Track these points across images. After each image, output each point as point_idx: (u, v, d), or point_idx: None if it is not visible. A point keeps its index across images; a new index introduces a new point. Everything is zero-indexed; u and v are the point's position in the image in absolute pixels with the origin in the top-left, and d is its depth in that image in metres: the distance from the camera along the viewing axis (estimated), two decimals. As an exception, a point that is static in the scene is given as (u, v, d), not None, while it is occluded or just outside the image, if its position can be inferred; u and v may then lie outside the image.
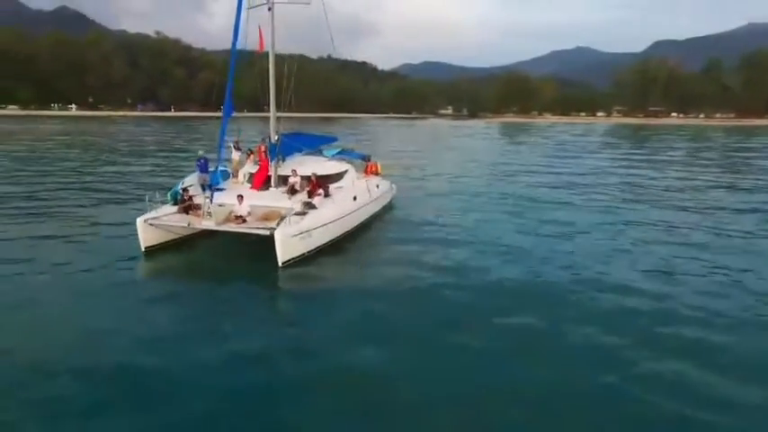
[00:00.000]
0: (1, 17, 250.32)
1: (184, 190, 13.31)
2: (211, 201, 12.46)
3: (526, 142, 62.45)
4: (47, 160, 33.23)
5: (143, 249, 12.34)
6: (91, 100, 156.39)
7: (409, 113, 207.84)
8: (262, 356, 7.66)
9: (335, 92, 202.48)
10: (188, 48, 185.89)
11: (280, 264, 11.40)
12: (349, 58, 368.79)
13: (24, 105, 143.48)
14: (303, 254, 12.06)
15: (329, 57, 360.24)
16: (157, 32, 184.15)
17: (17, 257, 11.97)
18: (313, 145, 16.94)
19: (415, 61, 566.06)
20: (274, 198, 13.83)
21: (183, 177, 15.36)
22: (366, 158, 18.93)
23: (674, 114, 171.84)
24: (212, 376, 6.97)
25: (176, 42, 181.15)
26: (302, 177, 14.47)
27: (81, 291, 10.13)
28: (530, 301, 9.96)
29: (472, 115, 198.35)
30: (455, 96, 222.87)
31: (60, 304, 9.44)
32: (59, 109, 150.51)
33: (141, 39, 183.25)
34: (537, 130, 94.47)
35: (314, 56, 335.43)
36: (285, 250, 11.46)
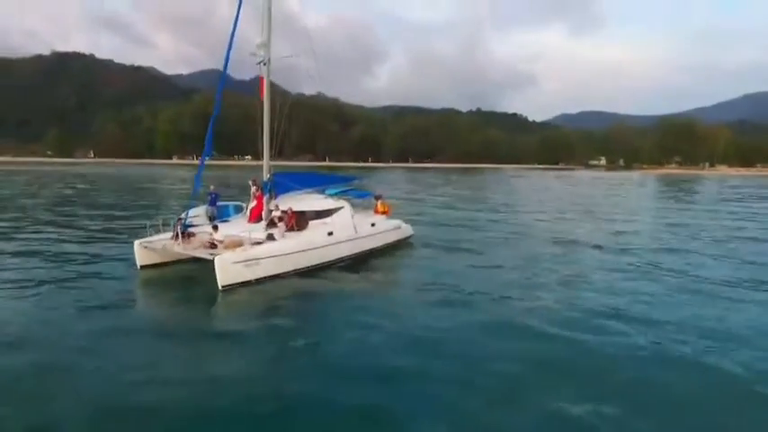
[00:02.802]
0: (215, 86, 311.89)
1: (179, 219, 15.43)
2: (216, 231, 14.45)
3: (683, 200, 48.97)
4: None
5: (139, 267, 14.64)
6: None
7: (556, 164, 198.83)
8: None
9: (477, 143, 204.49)
10: (342, 105, 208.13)
11: (219, 287, 12.56)
12: (498, 110, 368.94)
13: (213, 156, 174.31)
14: (250, 280, 13.04)
15: (478, 110, 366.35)
16: (318, 93, 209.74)
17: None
18: (309, 184, 18.04)
19: (573, 111, 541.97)
20: (252, 230, 15.21)
21: (190, 208, 17.63)
22: (376, 197, 19.52)
23: None
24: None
25: (334, 100, 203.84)
26: (283, 212, 15.69)
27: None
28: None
29: (627, 167, 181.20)
30: (610, 146, 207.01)
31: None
32: (238, 159, 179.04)
33: (304, 98, 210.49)
34: (698, 185, 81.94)
35: (463, 109, 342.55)
36: (224, 275, 12.57)
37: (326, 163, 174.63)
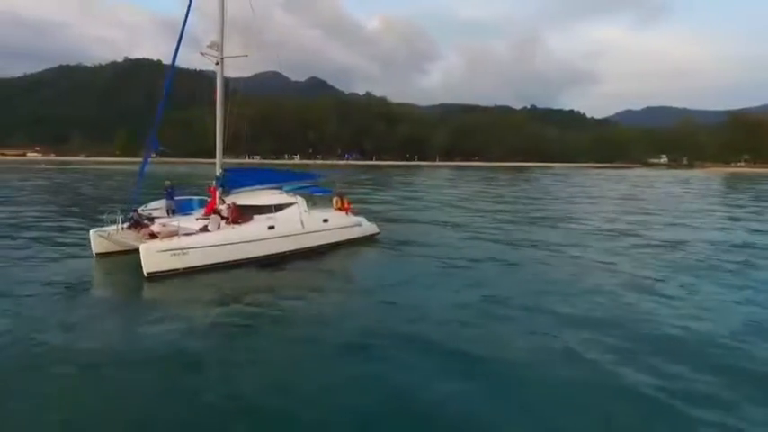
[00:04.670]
0: (272, 88, 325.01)
1: (134, 210, 16.40)
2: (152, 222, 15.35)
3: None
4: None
5: (94, 254, 15.74)
6: (310, 151, 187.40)
7: (611, 162, 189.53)
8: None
9: (527, 141, 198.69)
10: (389, 103, 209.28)
11: (145, 274, 13.32)
12: (555, 108, 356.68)
13: (264, 156, 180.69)
14: (177, 269, 13.71)
15: (533, 107, 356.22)
16: (367, 92, 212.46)
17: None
18: (263, 180, 18.41)
19: (637, 107, 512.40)
20: (195, 222, 15.88)
21: (149, 202, 18.52)
22: (339, 195, 19.73)
23: None
24: None
25: (381, 99, 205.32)
26: (228, 206, 16.27)
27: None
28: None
29: (690, 165, 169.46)
30: (672, 143, 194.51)
31: None
32: (288, 159, 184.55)
33: (354, 98, 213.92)
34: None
35: (517, 107, 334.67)
36: (149, 263, 13.29)
37: (373, 162, 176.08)
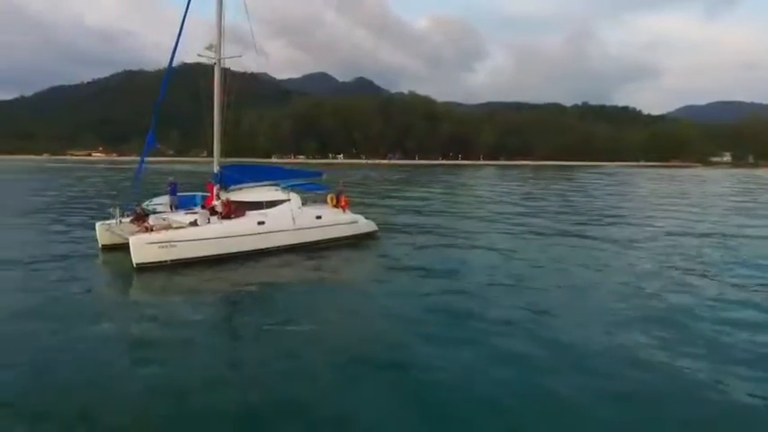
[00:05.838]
0: (320, 90, 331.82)
1: (138, 205, 17.31)
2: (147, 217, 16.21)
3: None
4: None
5: (100, 246, 16.75)
6: (354, 151, 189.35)
7: (667, 161, 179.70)
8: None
9: (576, 139, 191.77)
10: (433, 102, 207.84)
11: (134, 265, 14.07)
12: (610, 104, 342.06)
13: (308, 155, 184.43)
14: (165, 261, 14.37)
15: (585, 104, 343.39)
16: (411, 91, 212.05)
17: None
18: (261, 177, 18.80)
19: (701, 102, 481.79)
20: (188, 217, 16.48)
21: (153, 197, 19.41)
22: (338, 192, 19.91)
23: None
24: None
25: (424, 98, 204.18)
26: (222, 202, 16.85)
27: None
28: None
29: (755, 164, 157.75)
30: (737, 140, 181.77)
31: None
32: (332, 158, 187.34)
33: (397, 97, 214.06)
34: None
35: (569, 104, 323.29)
36: (138, 254, 14.02)
37: (416, 162, 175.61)
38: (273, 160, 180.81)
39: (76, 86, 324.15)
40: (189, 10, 16.87)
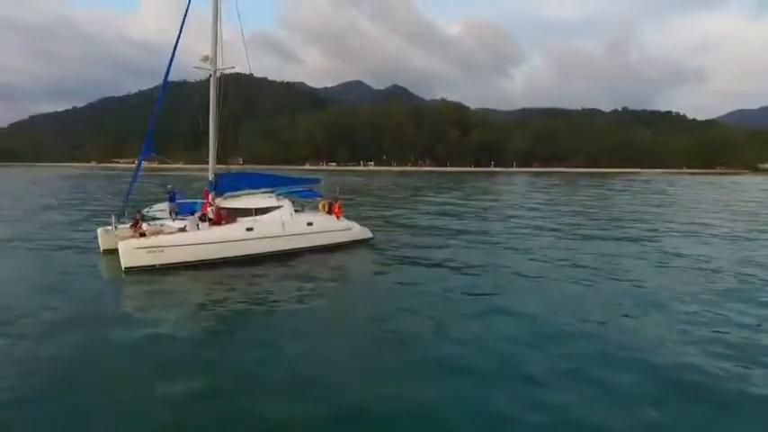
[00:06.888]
0: (355, 98, 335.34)
1: (137, 211, 18.00)
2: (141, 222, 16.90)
3: None
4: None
5: (101, 250, 17.54)
6: (384, 158, 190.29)
7: (712, 168, 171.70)
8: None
9: (613, 145, 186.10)
10: (464, 108, 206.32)
11: (123, 268, 14.69)
12: (653, 109, 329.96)
13: (340, 162, 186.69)
14: (153, 265, 14.91)
15: (624, 109, 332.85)
16: (442, 98, 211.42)
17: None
18: (256, 185, 19.11)
19: (752, 106, 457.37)
20: (179, 223, 17.00)
21: (152, 204, 19.95)
22: (334, 200, 20.09)
23: None
24: None
25: (456, 104, 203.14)
26: (217, 208, 17.31)
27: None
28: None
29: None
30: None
31: None
32: (362, 165, 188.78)
33: (429, 104, 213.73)
34: None
35: (607, 109, 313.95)
36: (126, 258, 14.64)
37: (447, 168, 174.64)
38: (306, 167, 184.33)
39: (124, 97, 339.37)
40: (186, 20, 17.48)
